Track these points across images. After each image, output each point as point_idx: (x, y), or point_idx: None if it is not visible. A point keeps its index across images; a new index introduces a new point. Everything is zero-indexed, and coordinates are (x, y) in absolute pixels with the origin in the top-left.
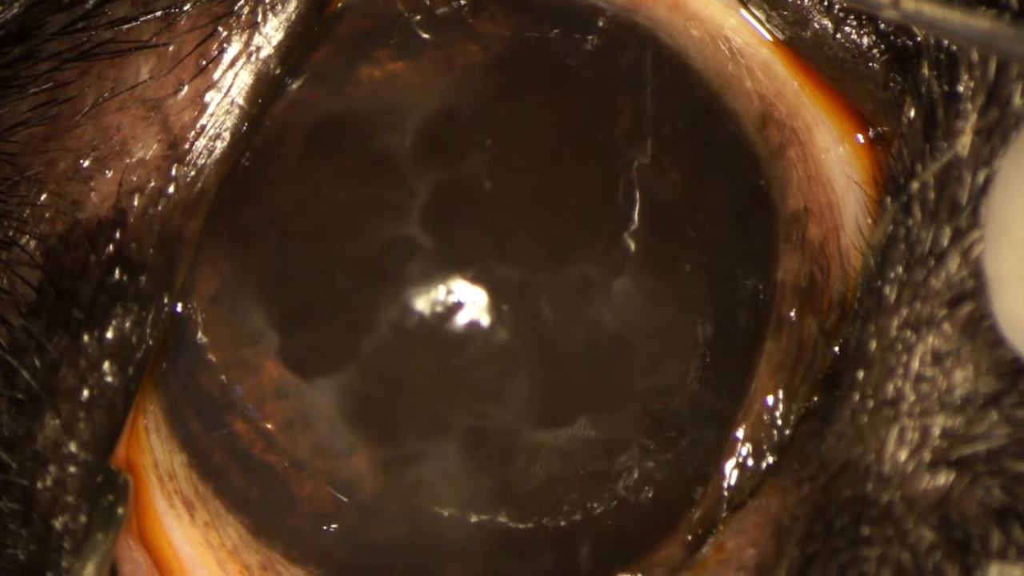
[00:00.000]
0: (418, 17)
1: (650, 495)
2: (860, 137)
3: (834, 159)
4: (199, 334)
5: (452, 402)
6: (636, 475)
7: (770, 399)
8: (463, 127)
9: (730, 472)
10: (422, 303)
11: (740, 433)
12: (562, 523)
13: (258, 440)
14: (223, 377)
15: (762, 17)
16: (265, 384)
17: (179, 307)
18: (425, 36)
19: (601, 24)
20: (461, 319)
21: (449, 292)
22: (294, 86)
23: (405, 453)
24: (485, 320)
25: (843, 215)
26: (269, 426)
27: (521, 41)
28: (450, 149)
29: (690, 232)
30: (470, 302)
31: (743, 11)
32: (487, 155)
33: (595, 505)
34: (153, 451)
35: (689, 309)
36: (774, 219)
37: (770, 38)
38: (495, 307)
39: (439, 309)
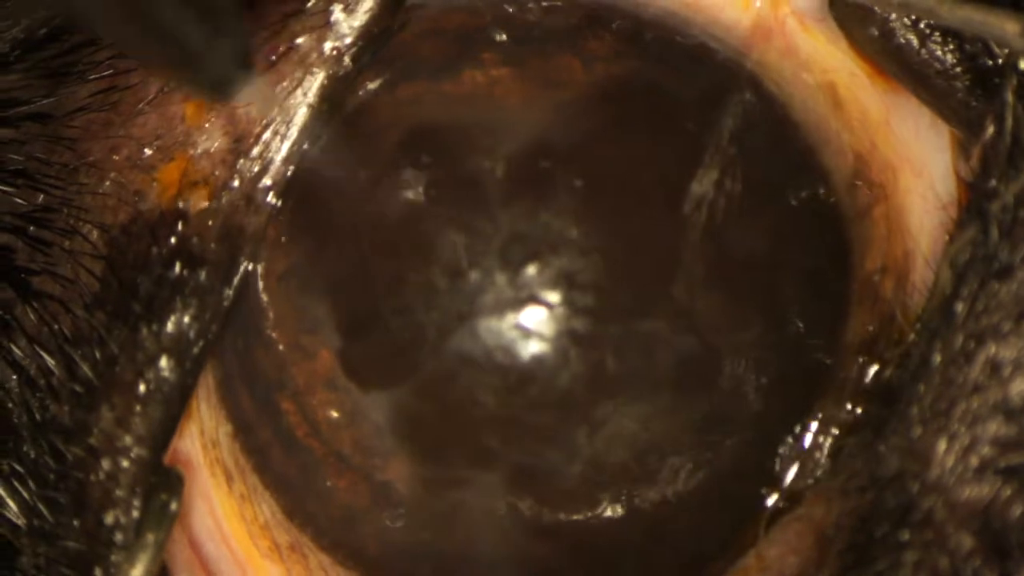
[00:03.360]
0: (509, 30)
1: (694, 515)
2: (944, 158)
3: (915, 197)
4: (262, 309)
5: (504, 436)
6: (679, 489)
7: (823, 412)
8: (555, 161)
9: (776, 483)
10: (489, 335)
11: (788, 443)
12: (601, 543)
13: (303, 424)
14: (279, 357)
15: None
16: (319, 372)
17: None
18: (523, 47)
19: (708, 65)
20: (526, 356)
21: (518, 328)
22: (370, 86)
23: (447, 475)
24: (550, 360)
25: (916, 256)
26: (317, 413)
27: (624, 67)
28: (540, 183)
29: (764, 288)
30: (537, 340)
31: (848, 52)
32: (576, 194)
33: (637, 526)
34: (201, 418)
35: (752, 362)
36: (850, 281)
37: (867, 70)
38: (561, 349)
39: (505, 343)
